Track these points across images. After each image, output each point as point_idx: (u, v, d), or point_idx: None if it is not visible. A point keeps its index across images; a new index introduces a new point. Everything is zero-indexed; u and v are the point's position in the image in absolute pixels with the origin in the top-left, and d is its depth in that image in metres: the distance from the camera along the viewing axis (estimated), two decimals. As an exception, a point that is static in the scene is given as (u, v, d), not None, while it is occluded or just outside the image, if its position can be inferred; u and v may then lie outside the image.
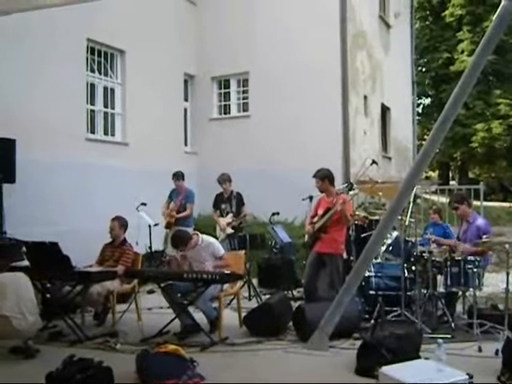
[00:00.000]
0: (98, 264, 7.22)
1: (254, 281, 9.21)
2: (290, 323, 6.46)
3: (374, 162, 7.40)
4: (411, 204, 6.34)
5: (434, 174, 34.65)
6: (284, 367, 5.31)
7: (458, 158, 29.99)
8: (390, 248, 6.91)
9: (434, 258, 6.45)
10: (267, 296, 8.41)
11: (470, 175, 32.43)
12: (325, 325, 5.60)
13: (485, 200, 11.61)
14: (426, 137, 30.14)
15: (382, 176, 11.07)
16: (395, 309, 6.61)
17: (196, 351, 5.74)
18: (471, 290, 6.18)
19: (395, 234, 6.89)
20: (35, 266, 6.29)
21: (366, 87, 14.58)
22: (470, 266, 6.07)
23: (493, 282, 8.63)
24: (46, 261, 6.23)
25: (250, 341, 6.12)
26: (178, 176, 9.71)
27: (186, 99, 14.03)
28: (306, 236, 7.03)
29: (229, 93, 14.24)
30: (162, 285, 6.51)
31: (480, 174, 33.29)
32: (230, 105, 14.24)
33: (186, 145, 14.02)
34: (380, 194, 7.76)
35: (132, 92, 11.89)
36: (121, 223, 7.41)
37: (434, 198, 12.26)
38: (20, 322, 5.50)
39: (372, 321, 6.38)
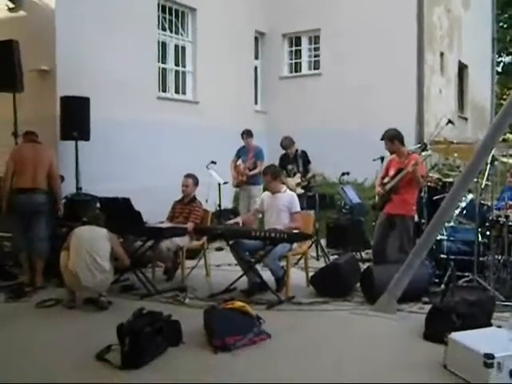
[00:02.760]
0: (168, 220, 7.36)
1: (323, 241, 9.18)
2: (358, 285, 6.40)
3: (450, 121, 7.09)
4: (488, 166, 6.05)
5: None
6: (349, 329, 5.28)
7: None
8: (464, 211, 6.65)
9: (510, 223, 6.17)
10: (335, 257, 8.38)
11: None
12: (393, 288, 5.51)
13: None
14: (505, 96, 28.83)
15: (458, 137, 10.62)
16: (467, 274, 6.41)
17: (262, 309, 5.78)
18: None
19: (470, 196, 6.62)
20: (108, 220, 6.48)
21: (443, 44, 13.96)
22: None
23: None
24: (119, 216, 6.40)
25: (316, 301, 6.11)
26: (248, 133, 9.67)
27: (256, 57, 13.90)
28: (376, 197, 6.88)
29: (300, 50, 13.99)
30: (231, 242, 6.57)
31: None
32: (301, 63, 14.01)
33: (256, 103, 13.94)
34: (455, 155, 7.43)
35: (203, 50, 11.87)
36: (194, 180, 7.51)
37: (512, 161, 11.73)
38: (88, 279, 5.73)
39: (442, 285, 6.22)
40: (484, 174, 6.10)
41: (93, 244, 5.83)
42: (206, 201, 9.26)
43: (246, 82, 13.34)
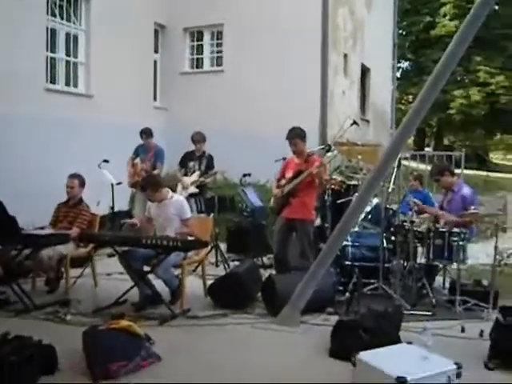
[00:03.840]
0: (51, 225, 6.59)
1: (223, 246, 8.71)
2: (259, 294, 5.95)
3: (354, 122, 6.82)
4: (395, 170, 5.79)
5: (410, 140, 34.32)
6: (250, 346, 4.80)
7: (434, 124, 29.72)
8: (369, 216, 6.38)
9: (415, 228, 5.97)
10: (236, 263, 7.92)
11: (446, 142, 32.24)
12: (296, 299, 5.10)
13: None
14: (403, 101, 29.81)
15: (360, 139, 10.53)
16: (372, 281, 6.15)
17: (154, 325, 5.24)
18: (455, 264, 5.73)
19: (375, 201, 6.36)
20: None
21: (347, 45, 13.93)
22: (454, 239, 5.59)
23: (471, 254, 8.18)
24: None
25: (214, 313, 5.59)
26: (148, 133, 9.04)
27: (156, 51, 13.21)
28: (272, 200, 6.46)
29: (202, 45, 13.45)
30: (120, 250, 5.92)
31: (455, 142, 33.14)
32: (202, 58, 13.47)
33: (155, 99, 13.25)
34: (359, 156, 7.16)
35: (97, 40, 11.03)
36: (81, 181, 6.78)
37: (413, 164, 11.85)
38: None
39: (347, 294, 5.90)
40: (390, 178, 5.83)
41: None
42: (98, 203, 8.65)
43: (145, 76, 12.64)
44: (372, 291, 6.08)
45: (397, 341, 4.23)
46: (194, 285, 6.38)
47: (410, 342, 3.91)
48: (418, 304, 5.73)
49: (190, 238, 5.52)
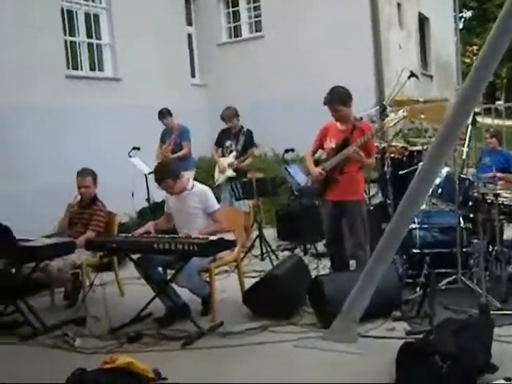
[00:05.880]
0: (62, 230, 5.70)
1: (271, 233, 7.67)
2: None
3: (412, 74, 5.55)
4: (470, 128, 4.42)
5: (479, 95, 31.94)
6: (292, 374, 3.69)
7: (504, 75, 27.38)
8: (439, 190, 5.03)
9: (501, 202, 4.62)
10: (286, 253, 6.85)
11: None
12: (350, 308, 3.94)
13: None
14: (468, 54, 27.55)
15: (423, 96, 9.15)
16: (450, 271, 4.89)
17: (176, 348, 4.24)
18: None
19: (446, 170, 5.01)
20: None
21: (400, -7, 12.36)
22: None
23: None
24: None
25: (251, 327, 4.52)
26: (164, 114, 8.16)
27: (189, 23, 12.09)
28: (309, 179, 5.27)
29: (238, 12, 12.22)
30: (135, 257, 4.94)
31: (528, 93, 30.55)
32: (240, 26, 12.26)
33: (193, 76, 12.18)
34: (422, 116, 5.77)
35: (121, 18, 10.06)
36: (94, 177, 5.85)
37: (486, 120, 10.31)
38: None
39: (418, 290, 4.68)
40: (465, 140, 4.47)
41: None
42: (132, 195, 7.83)
43: (179, 52, 11.56)
44: (450, 285, 4.82)
45: (489, 368, 3.03)
46: (234, 288, 5.33)
47: (508, 379, 2.69)
48: (509, 299, 4.45)
49: (212, 238, 4.42)
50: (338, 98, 4.91)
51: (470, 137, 4.38)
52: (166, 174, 5.00)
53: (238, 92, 11.11)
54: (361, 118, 4.93)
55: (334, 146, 4.97)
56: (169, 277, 4.86)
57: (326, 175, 4.96)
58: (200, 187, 5.10)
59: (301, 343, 4.11)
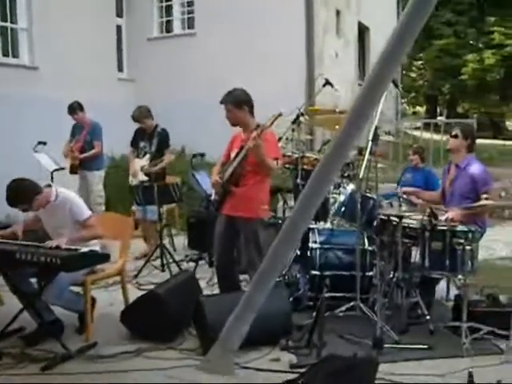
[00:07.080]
0: None
1: (181, 240, 7.23)
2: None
3: (327, 82, 5.16)
4: (370, 144, 4.07)
5: (422, 110, 32.49)
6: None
7: (446, 91, 27.80)
8: (343, 208, 4.66)
9: (406, 224, 4.30)
10: (190, 264, 6.40)
11: (459, 110, 30.28)
12: (227, 337, 3.50)
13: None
14: (413, 68, 27.81)
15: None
16: (350, 295, 4.53)
17: (34, 372, 3.72)
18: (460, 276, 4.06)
19: (350, 187, 4.65)
20: None
21: (339, 1, 12.08)
22: (460, 241, 3.91)
23: (485, 244, 6.33)
24: None
25: (125, 351, 4.03)
26: (74, 108, 7.50)
27: (119, 15, 11.48)
28: (213, 191, 4.84)
29: (171, 6, 11.69)
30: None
31: (469, 109, 31.14)
32: (172, 21, 11.72)
33: (120, 70, 11.57)
34: (337, 127, 5.36)
35: (42, 1, 9.36)
36: None
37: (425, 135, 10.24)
38: None
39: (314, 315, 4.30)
40: (364, 156, 4.10)
41: None
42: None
43: (106, 44, 10.90)
44: (348, 311, 4.45)
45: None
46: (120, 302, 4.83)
47: None
48: (410, 331, 4.12)
49: (83, 250, 3.90)
50: (233, 99, 4.47)
51: (369, 153, 4.02)
52: (17, 200, 4.35)
53: (167, 89, 10.65)
54: (263, 125, 4.42)
55: (233, 155, 4.55)
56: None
57: (223, 186, 4.53)
58: (65, 196, 4.44)
59: (173, 374, 3.65)
